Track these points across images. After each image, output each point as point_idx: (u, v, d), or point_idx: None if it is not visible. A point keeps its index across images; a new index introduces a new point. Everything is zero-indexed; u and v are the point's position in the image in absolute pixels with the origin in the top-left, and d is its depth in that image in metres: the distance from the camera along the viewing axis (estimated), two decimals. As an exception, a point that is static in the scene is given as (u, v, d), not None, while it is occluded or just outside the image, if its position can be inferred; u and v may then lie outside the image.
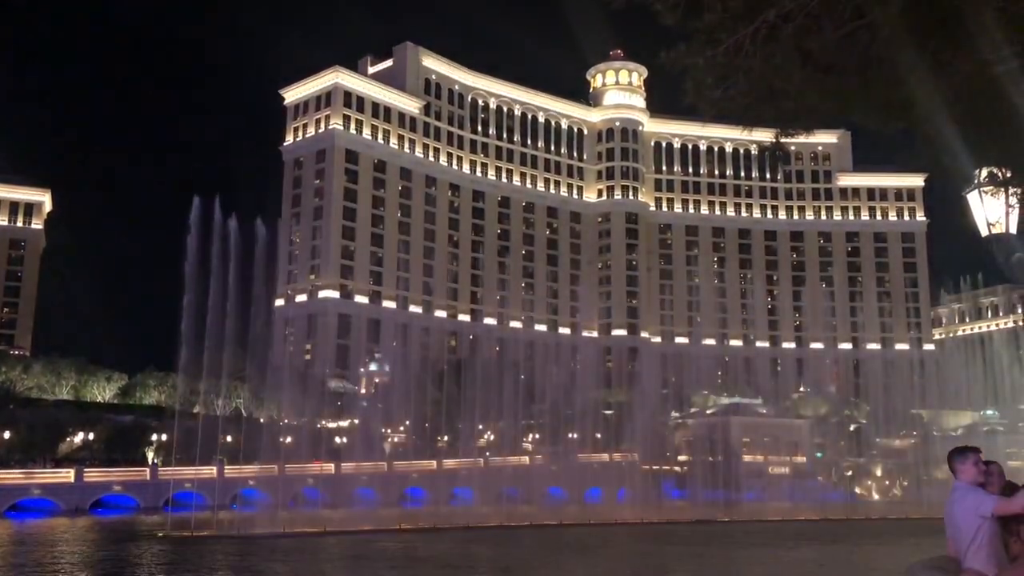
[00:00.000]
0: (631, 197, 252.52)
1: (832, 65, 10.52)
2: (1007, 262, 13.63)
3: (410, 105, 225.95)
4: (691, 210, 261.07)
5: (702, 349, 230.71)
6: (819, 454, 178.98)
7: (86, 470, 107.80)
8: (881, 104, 11.12)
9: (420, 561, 62.73)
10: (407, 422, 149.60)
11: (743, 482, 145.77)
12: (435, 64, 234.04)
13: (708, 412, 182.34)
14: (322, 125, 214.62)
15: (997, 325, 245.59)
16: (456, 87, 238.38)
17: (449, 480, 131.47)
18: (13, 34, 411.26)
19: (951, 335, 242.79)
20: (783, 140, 12.03)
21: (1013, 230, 13.51)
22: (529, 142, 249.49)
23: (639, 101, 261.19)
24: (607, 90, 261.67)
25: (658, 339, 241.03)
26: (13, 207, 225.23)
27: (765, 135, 12.37)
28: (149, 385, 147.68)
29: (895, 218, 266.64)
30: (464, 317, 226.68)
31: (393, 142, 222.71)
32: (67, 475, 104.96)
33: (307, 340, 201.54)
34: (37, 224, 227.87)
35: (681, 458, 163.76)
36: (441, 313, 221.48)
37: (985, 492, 9.84)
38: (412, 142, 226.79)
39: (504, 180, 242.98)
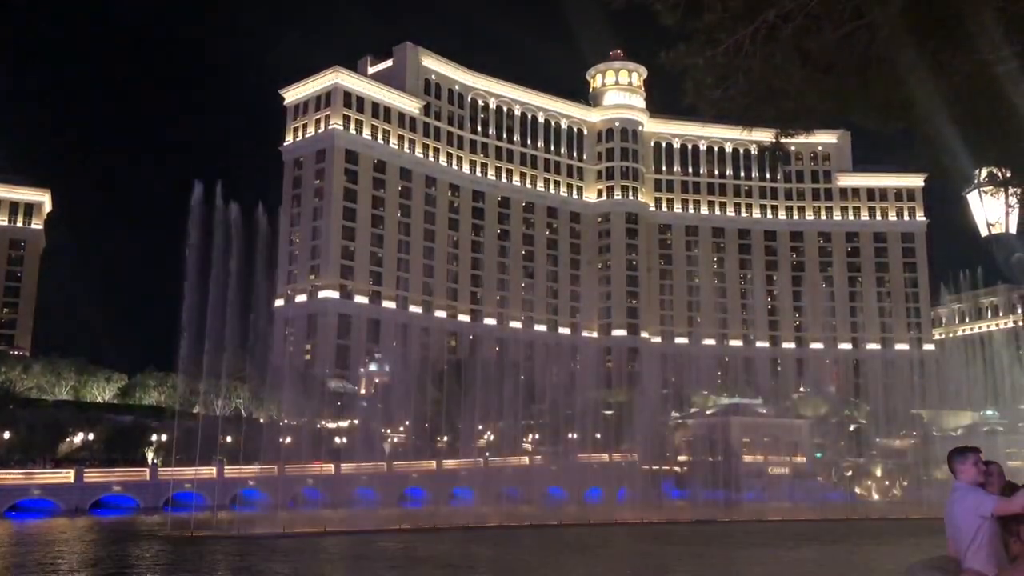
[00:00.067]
0: (631, 197, 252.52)
1: (832, 65, 10.52)
2: (1007, 262, 13.63)
3: (410, 105, 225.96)
4: (691, 210, 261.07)
5: (702, 349, 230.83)
6: (819, 454, 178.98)
7: (86, 470, 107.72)
8: (881, 104, 11.12)
9: (420, 561, 62.73)
10: (407, 422, 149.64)
11: (743, 482, 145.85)
12: (435, 64, 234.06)
13: (708, 412, 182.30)
14: (322, 125, 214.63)
15: (997, 325, 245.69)
16: (456, 87, 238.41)
17: (449, 480, 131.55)
18: (13, 34, 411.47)
19: (951, 335, 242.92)
20: (783, 140, 12.03)
21: (1013, 230, 13.50)
22: (529, 142, 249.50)
23: (639, 101, 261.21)
24: (607, 90, 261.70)
25: (658, 339, 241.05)
26: (13, 207, 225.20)
27: (765, 135, 12.37)
28: (149, 385, 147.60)
29: (895, 218, 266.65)
30: (464, 317, 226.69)
31: (393, 142, 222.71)
32: (67, 475, 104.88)
33: (307, 340, 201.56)
34: (37, 224, 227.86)
35: (681, 458, 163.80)
36: (441, 313, 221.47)
37: (985, 492, 9.84)
38: (412, 142, 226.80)
39: (504, 180, 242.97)
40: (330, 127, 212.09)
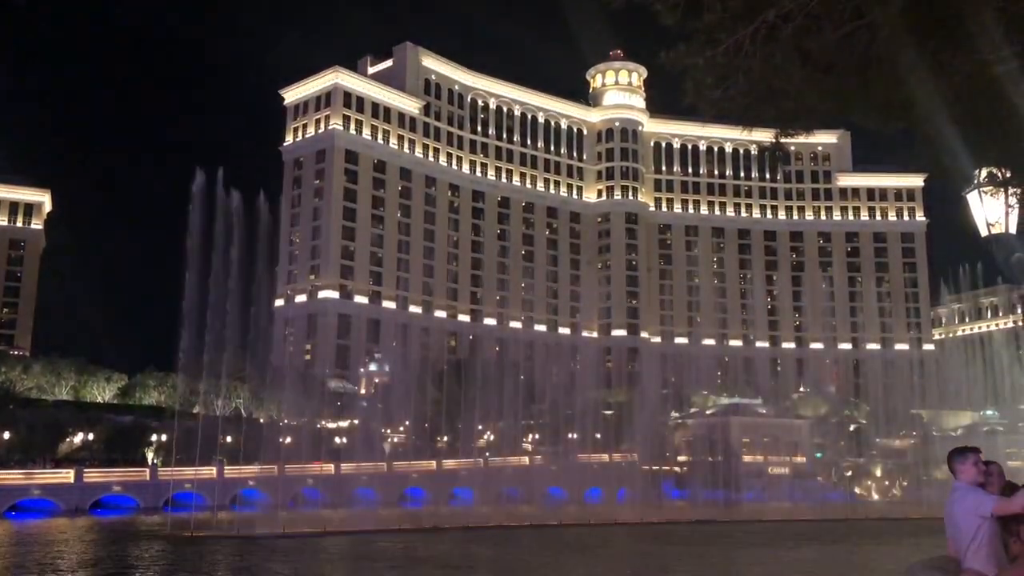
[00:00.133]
0: (631, 197, 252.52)
1: (832, 65, 10.51)
2: (1007, 262, 13.63)
3: (410, 105, 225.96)
4: (691, 210, 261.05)
5: (702, 349, 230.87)
6: (819, 454, 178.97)
7: (86, 470, 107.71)
8: (881, 104, 11.12)
9: (420, 561, 62.72)
10: (407, 422, 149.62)
11: (743, 482, 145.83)
12: (435, 64, 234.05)
13: (708, 412, 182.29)
14: (322, 125, 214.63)
15: (997, 325, 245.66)
16: (456, 87, 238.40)
17: (449, 480, 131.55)
18: (13, 34, 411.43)
19: (951, 335, 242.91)
20: (783, 140, 12.02)
21: (1013, 230, 13.51)
22: (529, 142, 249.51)
23: (639, 101, 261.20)
24: (607, 90, 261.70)
25: (658, 339, 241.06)
26: (13, 207, 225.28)
27: (765, 135, 12.36)
28: (149, 385, 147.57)
29: (895, 218, 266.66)
30: (464, 317, 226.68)
31: (393, 142, 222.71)
32: (67, 475, 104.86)
33: (307, 340, 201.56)
34: (37, 224, 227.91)
35: (681, 458, 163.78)
36: (441, 313, 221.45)
37: (985, 492, 9.84)
38: (412, 142, 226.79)
39: (504, 180, 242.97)
40: (330, 127, 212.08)
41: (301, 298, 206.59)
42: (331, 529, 79.75)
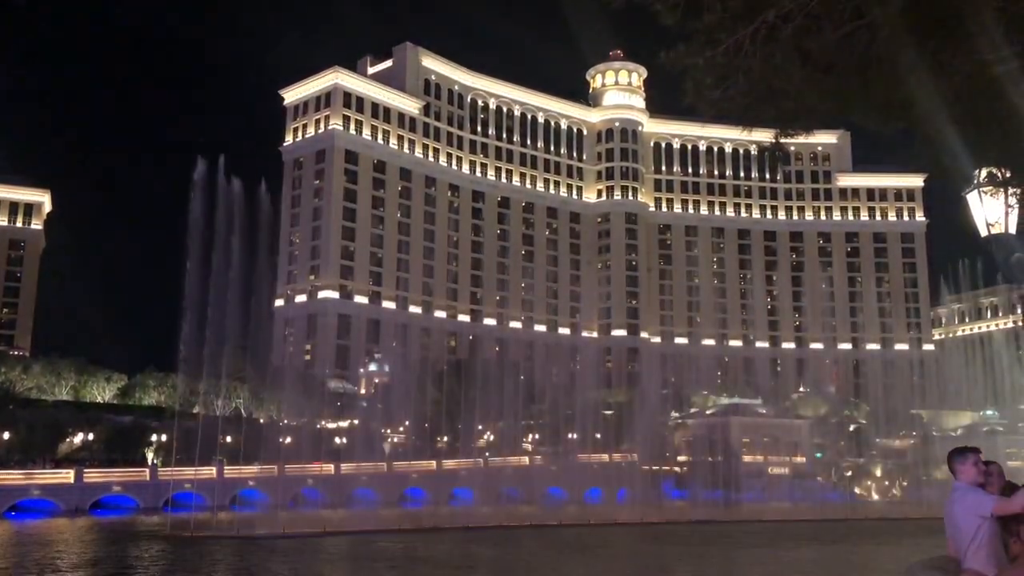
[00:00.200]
0: (631, 197, 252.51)
1: (832, 65, 10.51)
2: (1007, 262, 13.64)
3: (410, 105, 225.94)
4: (691, 210, 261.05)
5: (702, 349, 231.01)
6: (819, 454, 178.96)
7: (86, 471, 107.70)
8: (881, 104, 11.12)
9: (420, 561, 62.74)
10: (407, 422, 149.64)
11: (743, 482, 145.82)
12: (435, 64, 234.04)
13: (708, 412, 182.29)
14: (322, 125, 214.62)
15: (997, 325, 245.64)
16: (456, 87, 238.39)
17: (449, 480, 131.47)
18: (13, 34, 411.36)
19: (951, 335, 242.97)
20: (783, 140, 12.02)
21: (1013, 230, 13.51)
22: (529, 142, 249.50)
23: (639, 101, 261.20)
24: (607, 90, 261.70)
25: (658, 339, 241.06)
26: (13, 207, 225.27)
27: (765, 135, 12.36)
28: (149, 385, 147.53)
29: (895, 218, 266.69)
30: (464, 317, 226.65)
31: (393, 142, 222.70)
32: (67, 476, 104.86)
33: (307, 340, 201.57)
34: (37, 224, 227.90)
35: (681, 458, 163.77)
36: (441, 313, 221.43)
37: (985, 492, 9.84)
38: (412, 142, 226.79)
39: (504, 180, 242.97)
40: (330, 127, 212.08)
41: (301, 298, 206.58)
42: (331, 529, 79.76)
